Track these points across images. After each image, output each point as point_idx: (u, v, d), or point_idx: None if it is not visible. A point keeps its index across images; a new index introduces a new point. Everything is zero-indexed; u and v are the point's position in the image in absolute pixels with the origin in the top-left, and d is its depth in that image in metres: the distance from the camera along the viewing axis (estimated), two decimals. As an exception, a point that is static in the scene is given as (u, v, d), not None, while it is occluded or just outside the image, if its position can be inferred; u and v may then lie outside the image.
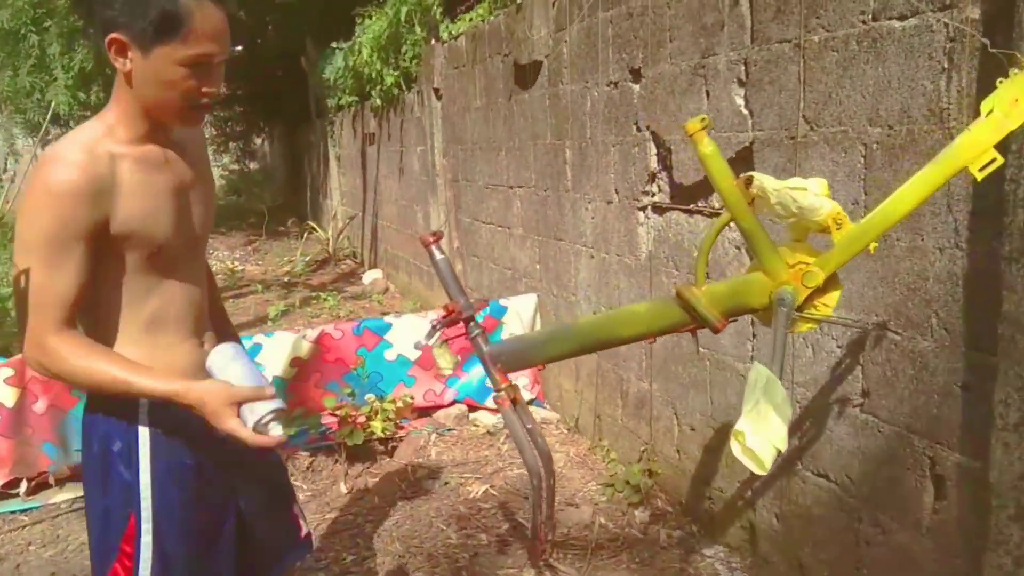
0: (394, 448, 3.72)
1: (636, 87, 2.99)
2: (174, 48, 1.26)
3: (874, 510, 2.04)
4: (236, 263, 9.59)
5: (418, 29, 5.77)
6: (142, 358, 1.36)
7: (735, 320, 1.71)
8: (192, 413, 1.29)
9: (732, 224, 1.65)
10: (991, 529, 1.68)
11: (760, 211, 1.56)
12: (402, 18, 5.80)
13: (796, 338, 2.23)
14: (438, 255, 1.77)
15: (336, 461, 3.57)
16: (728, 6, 2.41)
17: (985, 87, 1.58)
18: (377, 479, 3.46)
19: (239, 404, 1.29)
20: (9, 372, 3.34)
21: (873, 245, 1.51)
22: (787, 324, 1.53)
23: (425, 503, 3.20)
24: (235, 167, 20.93)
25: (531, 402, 4.06)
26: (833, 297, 1.58)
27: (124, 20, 1.25)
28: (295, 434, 3.77)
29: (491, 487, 3.30)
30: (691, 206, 2.73)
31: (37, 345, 1.29)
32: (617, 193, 3.21)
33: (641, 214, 3.05)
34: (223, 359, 1.39)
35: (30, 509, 3.29)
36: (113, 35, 1.27)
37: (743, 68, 2.38)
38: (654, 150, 2.92)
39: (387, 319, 4.18)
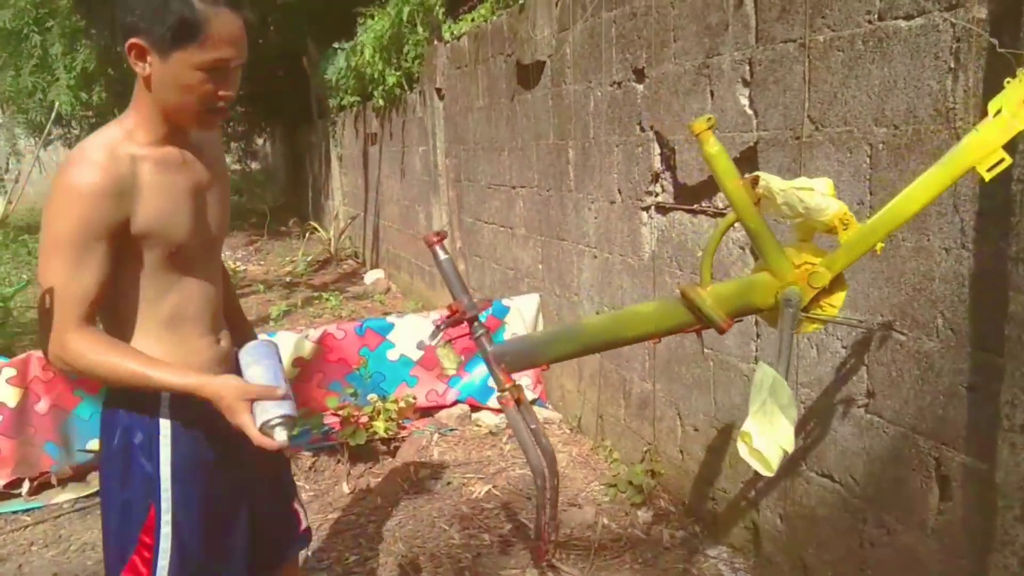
0: (396, 448, 3.72)
1: (640, 87, 2.99)
2: (191, 53, 1.30)
3: (879, 511, 2.03)
4: (238, 263, 9.58)
5: (420, 29, 5.77)
6: (163, 354, 1.40)
7: (740, 320, 1.70)
8: (209, 407, 1.34)
9: (736, 224, 1.65)
10: (997, 530, 1.67)
11: (766, 211, 1.56)
12: (404, 18, 5.80)
13: (801, 338, 2.23)
14: (442, 255, 1.77)
15: (339, 461, 3.57)
16: (732, 6, 2.41)
17: (992, 87, 1.58)
18: (380, 479, 3.45)
19: (252, 401, 1.34)
20: (11, 372, 3.33)
21: (880, 245, 1.51)
22: (793, 324, 1.53)
23: (428, 503, 3.19)
24: (237, 167, 20.93)
25: (533, 402, 4.05)
26: (839, 297, 1.58)
27: (144, 26, 1.30)
28: (298, 434, 3.77)
29: (494, 487, 3.30)
30: (695, 206, 2.73)
31: (58, 342, 1.32)
32: (620, 193, 3.21)
33: (644, 214, 3.05)
34: (252, 356, 1.44)
35: (32, 509, 3.28)
36: (133, 40, 1.31)
37: (747, 68, 2.37)
38: (657, 150, 2.92)
39: (389, 319, 4.17)
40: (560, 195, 3.77)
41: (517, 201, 4.31)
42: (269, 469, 1.66)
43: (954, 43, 1.69)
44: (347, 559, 2.81)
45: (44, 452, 3.41)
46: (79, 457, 3.48)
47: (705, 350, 2.76)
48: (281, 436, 1.33)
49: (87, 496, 3.36)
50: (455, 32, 5.19)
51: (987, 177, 1.38)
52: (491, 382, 3.41)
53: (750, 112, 2.38)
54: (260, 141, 20.40)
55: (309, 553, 2.78)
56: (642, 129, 2.99)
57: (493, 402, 3.99)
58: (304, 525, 1.77)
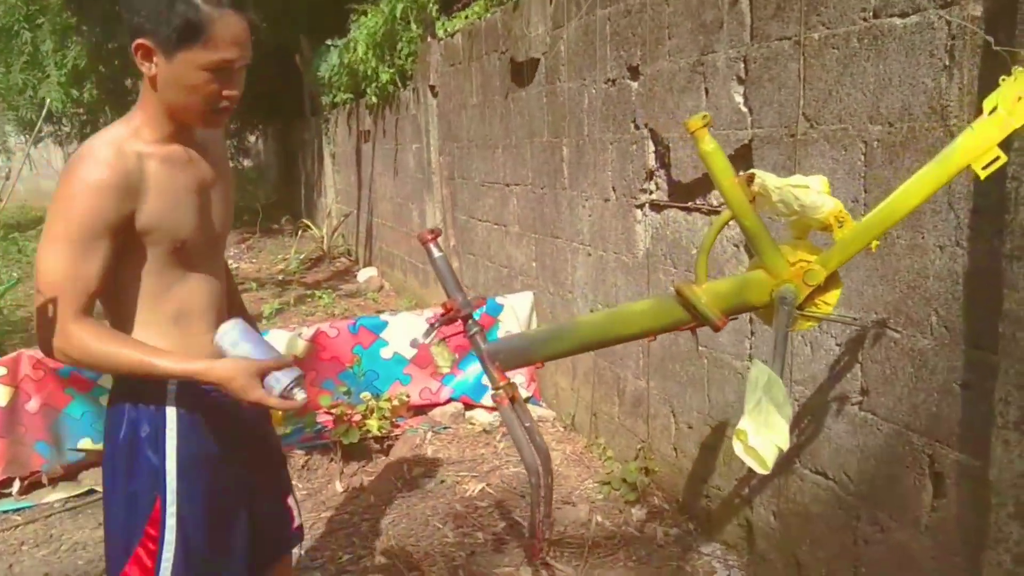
0: (390, 446, 3.71)
1: (634, 85, 2.98)
2: (196, 54, 1.33)
3: (872, 508, 2.03)
4: (230, 261, 9.51)
5: (414, 26, 5.75)
6: (170, 349, 1.43)
7: (735, 318, 1.70)
8: (213, 397, 1.37)
9: (731, 222, 1.64)
10: (990, 527, 1.68)
11: (761, 209, 1.56)
12: (398, 15, 5.78)
13: (795, 336, 2.23)
14: (436, 252, 1.76)
15: (332, 460, 3.56)
16: (728, 3, 2.40)
17: (987, 85, 1.58)
18: (373, 477, 3.44)
19: (263, 376, 1.37)
20: (2, 371, 3.31)
21: (875, 243, 1.51)
22: (788, 322, 1.52)
23: (421, 501, 3.19)
24: (229, 164, 20.87)
25: (527, 400, 4.05)
26: (834, 295, 1.58)
27: (150, 27, 1.33)
28: (290, 432, 3.75)
29: (487, 485, 3.29)
30: (689, 204, 2.72)
31: (62, 333, 1.34)
32: (615, 191, 3.20)
33: (639, 212, 3.04)
34: (233, 335, 1.44)
35: (23, 508, 3.26)
36: (139, 41, 1.34)
37: (742, 66, 2.37)
38: (652, 148, 2.91)
39: (383, 317, 4.16)
40: (554, 193, 3.76)
41: (511, 199, 4.31)
42: (268, 464, 1.68)
43: (949, 41, 1.69)
44: (340, 558, 2.80)
45: (35, 451, 3.39)
46: (70, 456, 3.46)
47: (699, 348, 2.76)
48: (301, 395, 1.39)
49: (78, 495, 3.35)
50: (449, 29, 5.17)
51: (983, 175, 1.38)
52: (485, 380, 3.40)
53: (745, 110, 2.38)
54: (252, 138, 20.32)
55: (302, 552, 2.77)
56: (636, 127, 2.99)
57: (487, 400, 3.99)
58: (297, 522, 1.78)
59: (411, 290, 6.74)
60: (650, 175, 2.94)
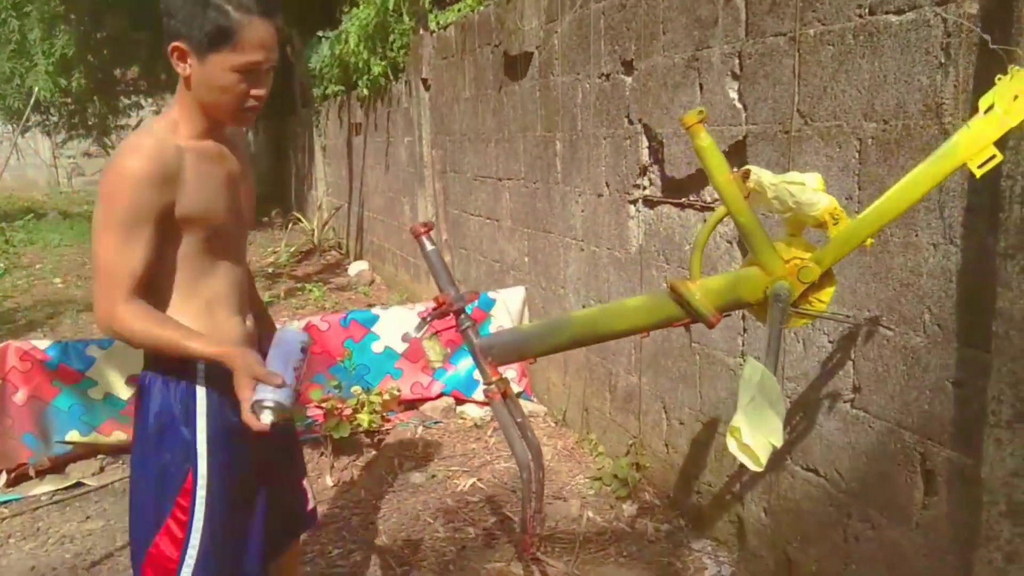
0: (381, 441, 3.70)
1: (628, 79, 2.97)
2: (226, 56, 1.43)
3: (864, 505, 2.04)
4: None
5: (406, 18, 5.72)
6: (202, 331, 1.52)
7: (728, 315, 1.70)
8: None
9: (725, 218, 1.64)
10: (982, 525, 1.68)
11: (756, 205, 1.55)
12: (390, 7, 5.75)
13: (787, 333, 2.23)
14: (428, 246, 1.75)
15: (322, 454, 3.54)
16: (722, -2, 2.39)
17: (982, 83, 1.58)
18: (363, 472, 3.43)
19: (256, 379, 1.43)
20: (-12, 363, 3.28)
21: (869, 241, 1.50)
22: (782, 319, 1.52)
23: (412, 496, 3.18)
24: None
25: (519, 395, 4.04)
26: (828, 292, 1.58)
27: (184, 31, 1.43)
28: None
29: (478, 480, 3.29)
30: (682, 200, 2.72)
31: (109, 312, 1.44)
32: (608, 186, 3.19)
33: (632, 207, 3.04)
34: (277, 340, 1.52)
35: (10, 501, 3.23)
36: (175, 44, 1.45)
37: (737, 61, 2.36)
38: (646, 143, 2.91)
39: (374, 311, 4.14)
40: (547, 188, 3.75)
41: (503, 193, 4.29)
42: (286, 448, 1.77)
43: (945, 38, 1.69)
44: (330, 552, 2.79)
45: (22, 443, 3.36)
46: (57, 449, 3.43)
47: (692, 344, 2.76)
48: (266, 419, 1.41)
49: (65, 488, 3.32)
50: (441, 22, 5.15)
51: (978, 174, 1.38)
52: (476, 375, 3.39)
53: (739, 106, 2.37)
54: (242, 130, 20.21)
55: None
56: (630, 122, 2.98)
57: (478, 395, 3.98)
58: (311, 505, 1.87)
59: (402, 284, 6.72)
60: (644, 171, 2.94)
